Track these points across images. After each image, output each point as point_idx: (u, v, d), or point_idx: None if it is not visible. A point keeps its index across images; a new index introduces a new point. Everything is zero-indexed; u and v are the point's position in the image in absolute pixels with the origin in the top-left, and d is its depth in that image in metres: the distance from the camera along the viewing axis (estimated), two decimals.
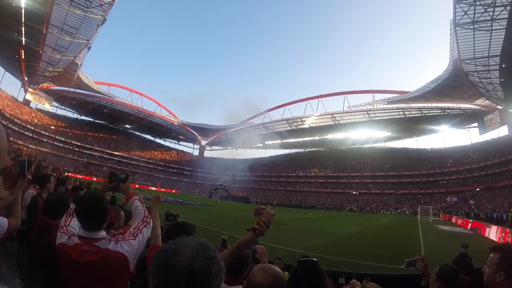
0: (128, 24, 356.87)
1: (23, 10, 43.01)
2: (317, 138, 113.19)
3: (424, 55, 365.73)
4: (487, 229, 26.45)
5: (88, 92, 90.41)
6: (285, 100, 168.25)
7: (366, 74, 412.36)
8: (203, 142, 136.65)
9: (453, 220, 45.68)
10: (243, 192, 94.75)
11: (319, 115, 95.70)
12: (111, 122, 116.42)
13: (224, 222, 25.17)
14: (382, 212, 72.79)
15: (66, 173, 36.28)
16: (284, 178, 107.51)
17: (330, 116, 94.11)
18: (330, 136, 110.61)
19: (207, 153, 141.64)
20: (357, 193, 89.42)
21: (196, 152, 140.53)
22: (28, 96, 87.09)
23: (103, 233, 2.25)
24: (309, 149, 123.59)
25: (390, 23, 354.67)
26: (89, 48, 54.56)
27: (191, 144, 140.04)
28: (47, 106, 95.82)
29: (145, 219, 2.46)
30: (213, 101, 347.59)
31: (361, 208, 78.41)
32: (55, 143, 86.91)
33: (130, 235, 2.24)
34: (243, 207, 52.79)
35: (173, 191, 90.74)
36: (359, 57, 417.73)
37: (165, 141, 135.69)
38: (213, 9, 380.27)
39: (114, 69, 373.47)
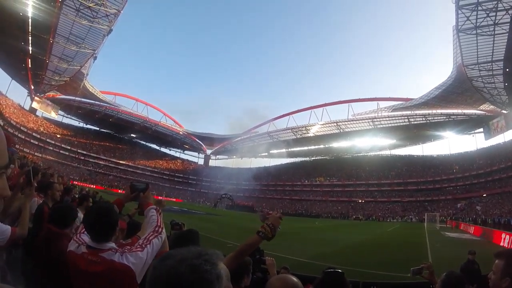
0: (134, 34, 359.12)
1: (29, 20, 43.39)
2: (322, 146, 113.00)
3: (428, 62, 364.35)
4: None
5: (94, 102, 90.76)
6: (289, 109, 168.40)
7: (370, 82, 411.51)
8: (208, 151, 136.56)
9: (462, 227, 45.21)
10: (248, 201, 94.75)
11: (323, 124, 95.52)
12: (117, 131, 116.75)
13: (229, 231, 25.22)
14: (388, 220, 72.34)
15: (72, 182, 36.44)
16: (289, 187, 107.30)
17: (335, 124, 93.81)
18: (335, 144, 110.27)
19: (212, 162, 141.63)
20: (363, 201, 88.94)
21: (201, 161, 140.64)
22: (35, 105, 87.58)
23: (111, 244, 2.22)
24: (314, 158, 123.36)
25: (393, 30, 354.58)
26: (95, 58, 55.01)
27: (196, 153, 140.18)
28: (53, 115, 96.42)
29: (156, 229, 2.38)
30: (218, 111, 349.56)
31: (367, 217, 77.92)
32: (61, 151, 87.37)
33: (138, 246, 2.19)
34: (248, 216, 52.80)
35: (177, 200, 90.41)
36: (364, 66, 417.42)
37: (170, 150, 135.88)
38: (219, 19, 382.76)
39: (119, 79, 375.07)
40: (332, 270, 2.55)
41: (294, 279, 1.81)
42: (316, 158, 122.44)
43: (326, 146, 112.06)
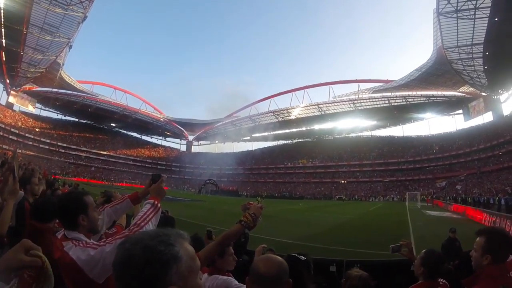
0: (109, 21, 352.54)
1: (2, 11, 42.44)
2: (304, 129, 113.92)
3: (408, 44, 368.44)
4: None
5: (71, 92, 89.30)
6: (271, 93, 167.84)
7: (351, 65, 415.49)
8: (190, 137, 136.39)
9: (443, 206, 45.88)
10: (233, 186, 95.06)
11: (305, 106, 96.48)
12: (96, 121, 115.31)
13: (214, 216, 25.22)
14: (370, 200, 73.59)
15: (53, 176, 35.92)
16: (273, 170, 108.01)
17: (316, 106, 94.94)
18: (317, 126, 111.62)
19: (194, 148, 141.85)
20: (345, 182, 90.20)
21: (183, 148, 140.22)
22: (11, 99, 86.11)
23: (76, 234, 2.18)
24: (296, 140, 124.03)
25: (373, 12, 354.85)
26: (70, 47, 54.07)
27: (178, 140, 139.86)
28: (30, 108, 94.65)
29: (132, 227, 2.10)
30: (199, 96, 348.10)
31: (350, 197, 79.21)
32: (41, 145, 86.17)
33: (95, 244, 2.05)
34: (233, 201, 52.80)
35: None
36: (344, 48, 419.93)
37: (151, 138, 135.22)
38: (196, 4, 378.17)
39: (96, 68, 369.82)
40: (293, 255, 2.59)
41: (279, 258, 1.85)
42: (298, 140, 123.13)
43: (308, 128, 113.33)
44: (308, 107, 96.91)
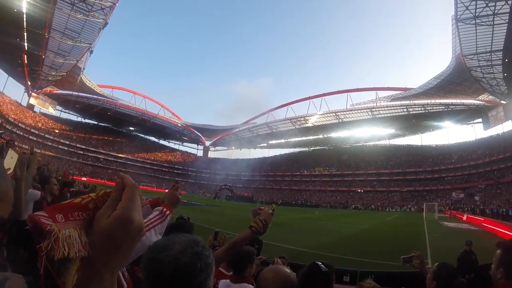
0: (130, 27, 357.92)
1: (24, 16, 43.21)
2: (321, 136, 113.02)
3: (427, 51, 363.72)
4: None
5: (91, 96, 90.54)
6: (288, 100, 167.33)
7: (369, 72, 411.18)
8: (207, 143, 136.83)
9: (464, 218, 44.91)
10: (248, 192, 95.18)
11: (322, 114, 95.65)
12: (115, 124, 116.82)
13: (228, 222, 25.19)
14: (387, 210, 72.56)
15: (72, 176, 36.44)
16: (289, 177, 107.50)
17: (334, 114, 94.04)
18: (334, 134, 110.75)
19: (211, 154, 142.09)
20: (362, 191, 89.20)
21: (200, 153, 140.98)
22: (32, 101, 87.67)
23: None
24: (313, 148, 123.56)
25: (392, 20, 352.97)
26: (91, 52, 54.70)
27: (195, 145, 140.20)
28: (51, 110, 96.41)
29: None
30: (214, 103, 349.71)
31: (366, 206, 78.30)
32: (60, 146, 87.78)
33: None
34: (248, 207, 52.80)
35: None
36: (362, 55, 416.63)
37: (169, 142, 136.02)
38: (216, 10, 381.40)
39: (116, 73, 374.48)
40: (316, 263, 2.45)
41: (287, 270, 1.88)
42: (315, 148, 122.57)
43: (325, 136, 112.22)
44: (325, 115, 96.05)
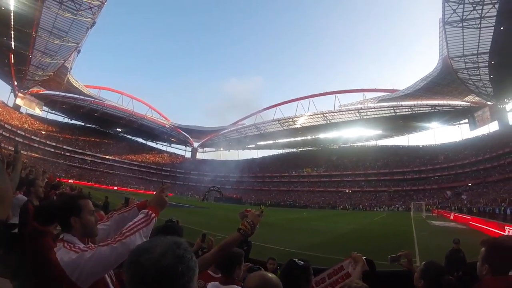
0: (117, 26, 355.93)
1: (12, 14, 42.72)
2: (309, 137, 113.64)
3: (414, 53, 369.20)
4: None
5: (78, 96, 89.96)
6: (276, 101, 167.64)
7: (357, 74, 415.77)
8: (195, 144, 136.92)
9: (451, 217, 45.19)
10: (237, 193, 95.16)
11: (310, 115, 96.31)
12: (102, 125, 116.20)
13: (217, 223, 25.35)
14: (375, 210, 72.88)
15: (58, 179, 36.10)
16: (277, 178, 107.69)
17: (322, 115, 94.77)
18: (322, 135, 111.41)
19: (199, 155, 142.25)
20: (350, 191, 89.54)
21: (188, 155, 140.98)
22: (18, 101, 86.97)
23: (67, 237, 2.19)
24: (301, 149, 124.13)
25: (379, 22, 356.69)
26: (78, 52, 54.43)
27: (183, 147, 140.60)
28: (37, 111, 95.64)
29: (116, 237, 2.00)
30: (203, 103, 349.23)
31: (355, 206, 78.62)
32: (46, 148, 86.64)
33: (79, 248, 2.01)
34: (237, 208, 52.63)
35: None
36: (351, 57, 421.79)
37: (157, 144, 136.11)
38: (206, 7, 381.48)
39: (104, 73, 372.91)
40: (292, 260, 2.59)
41: (268, 274, 1.88)
42: (304, 149, 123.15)
43: (313, 137, 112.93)
44: (314, 116, 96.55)
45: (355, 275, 3.15)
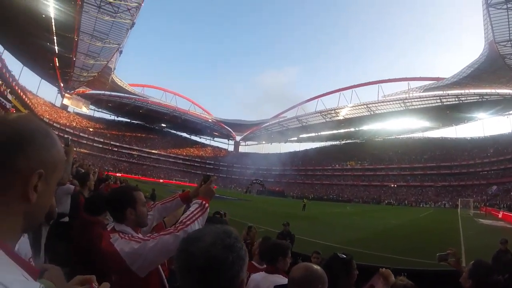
0: (156, 25, 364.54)
1: (53, 20, 44.59)
2: (352, 129, 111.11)
3: (459, 39, 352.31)
4: None
5: (123, 94, 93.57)
6: (317, 92, 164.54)
7: (400, 62, 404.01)
8: (238, 138, 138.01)
9: (499, 215, 43.02)
10: (279, 187, 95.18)
11: (353, 106, 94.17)
12: (147, 121, 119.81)
13: (260, 216, 25.40)
14: (421, 205, 70.44)
15: (107, 172, 37.47)
16: (320, 172, 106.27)
17: (365, 106, 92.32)
18: (366, 127, 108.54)
19: (241, 148, 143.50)
20: (395, 185, 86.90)
21: (231, 148, 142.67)
22: (66, 101, 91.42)
23: (122, 227, 2.27)
24: (344, 141, 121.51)
25: (422, 7, 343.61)
26: (120, 52, 55.86)
27: (225, 140, 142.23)
28: (84, 110, 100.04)
29: (178, 225, 2.10)
30: (241, 96, 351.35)
31: (400, 202, 76.32)
32: (94, 144, 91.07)
33: (140, 238, 2.10)
34: (279, 202, 52.92)
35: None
36: (393, 45, 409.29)
37: (200, 138, 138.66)
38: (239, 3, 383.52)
39: (146, 71, 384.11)
40: (335, 253, 2.73)
41: (313, 266, 1.95)
42: (347, 141, 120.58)
43: (357, 129, 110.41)
44: (357, 107, 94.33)
45: None
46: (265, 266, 3.34)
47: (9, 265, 0.67)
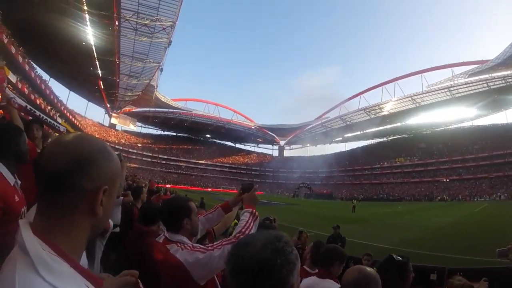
0: (192, 39, 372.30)
1: (93, 47, 47.03)
2: (398, 124, 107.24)
3: (500, 15, 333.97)
4: None
5: (167, 110, 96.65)
6: (357, 90, 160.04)
7: (441, 49, 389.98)
8: (282, 142, 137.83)
9: None
10: (327, 189, 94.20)
11: (397, 100, 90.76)
12: (192, 133, 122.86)
13: (309, 220, 25.32)
14: (475, 199, 66.66)
15: (157, 184, 38.61)
16: (368, 171, 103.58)
17: (410, 98, 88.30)
18: (412, 120, 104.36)
19: (286, 153, 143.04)
20: (447, 180, 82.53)
21: (275, 153, 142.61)
22: (113, 120, 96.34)
23: (178, 237, 2.33)
24: (391, 137, 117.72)
25: None
26: (161, 70, 57.26)
27: (270, 146, 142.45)
28: (132, 127, 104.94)
29: (237, 235, 2.17)
30: (283, 98, 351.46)
31: (453, 197, 72.31)
32: (143, 158, 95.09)
33: (203, 248, 2.17)
34: (327, 204, 52.45)
35: (257, 193, 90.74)
36: (431, 32, 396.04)
37: (244, 145, 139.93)
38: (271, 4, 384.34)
39: (187, 84, 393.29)
40: (390, 255, 2.63)
41: (366, 268, 2.00)
42: (394, 137, 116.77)
43: (403, 123, 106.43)
44: (401, 100, 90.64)
45: None
46: (316, 271, 3.42)
47: (78, 279, 0.75)
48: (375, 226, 23.34)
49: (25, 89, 32.34)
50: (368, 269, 1.99)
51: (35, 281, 0.69)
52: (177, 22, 42.48)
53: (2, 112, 5.21)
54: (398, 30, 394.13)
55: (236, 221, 4.16)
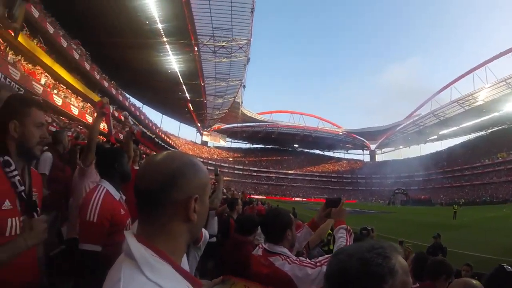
0: (269, 53, 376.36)
1: (178, 73, 51.51)
2: (496, 114, 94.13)
3: None
4: None
5: (254, 124, 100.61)
6: (449, 80, 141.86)
7: None
8: (372, 146, 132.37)
9: None
10: (424, 194, 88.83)
11: (491, 86, 79.38)
12: (280, 144, 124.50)
13: (407, 229, 24.32)
14: None
15: (249, 196, 39.86)
16: (468, 171, 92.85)
17: (504, 82, 76.69)
18: (510, 107, 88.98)
19: (378, 157, 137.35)
20: None
21: (367, 158, 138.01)
22: (205, 138, 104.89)
23: (280, 249, 2.36)
24: (490, 130, 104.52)
25: None
26: (244, 86, 59.34)
27: (360, 151, 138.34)
28: (222, 143, 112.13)
29: None
30: (366, 99, 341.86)
31: None
32: (235, 171, 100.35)
33: (311, 263, 2.18)
34: (426, 211, 49.89)
35: (349, 201, 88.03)
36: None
37: (334, 152, 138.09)
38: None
39: (271, 97, 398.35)
40: (502, 265, 2.43)
41: (472, 281, 2.00)
42: (493, 129, 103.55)
43: (501, 112, 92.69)
44: (495, 86, 79.02)
45: None
46: (417, 285, 3.49)
47: (178, 278, 0.88)
48: (476, 233, 21.87)
49: (121, 117, 35.53)
50: (474, 281, 2.00)
51: (139, 279, 0.78)
52: (251, 39, 43.94)
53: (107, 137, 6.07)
54: (486, 9, 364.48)
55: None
